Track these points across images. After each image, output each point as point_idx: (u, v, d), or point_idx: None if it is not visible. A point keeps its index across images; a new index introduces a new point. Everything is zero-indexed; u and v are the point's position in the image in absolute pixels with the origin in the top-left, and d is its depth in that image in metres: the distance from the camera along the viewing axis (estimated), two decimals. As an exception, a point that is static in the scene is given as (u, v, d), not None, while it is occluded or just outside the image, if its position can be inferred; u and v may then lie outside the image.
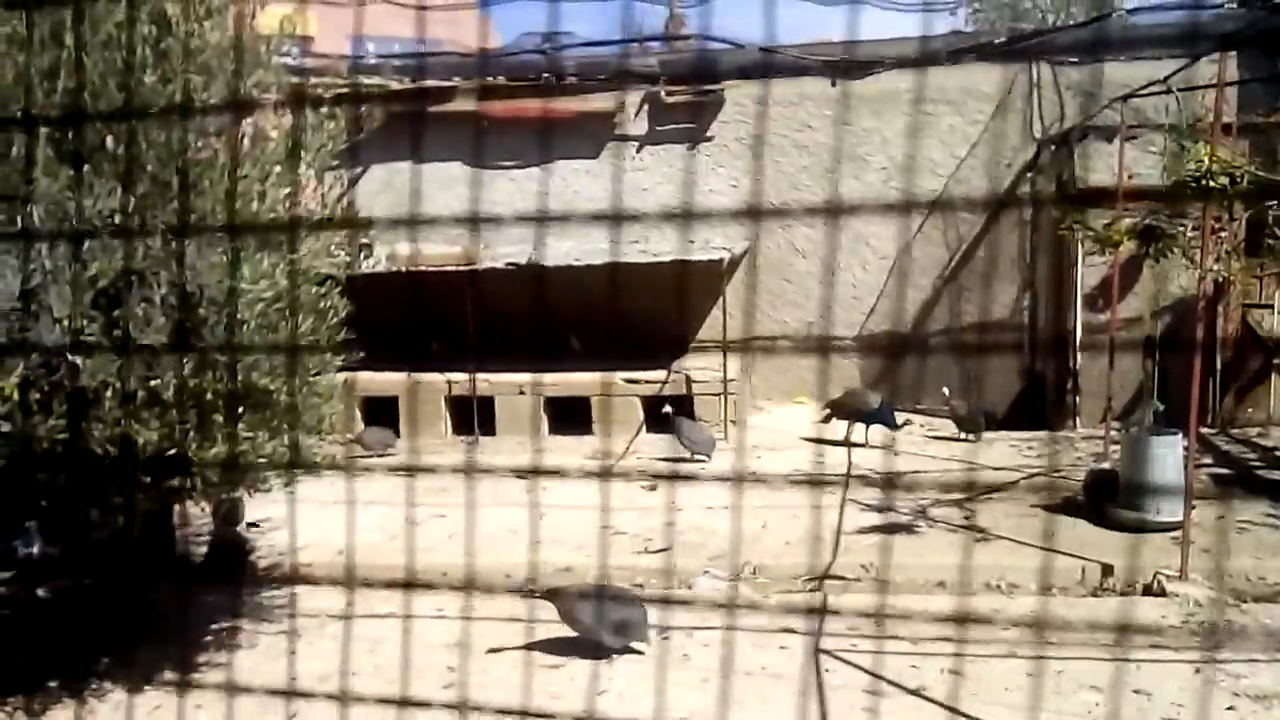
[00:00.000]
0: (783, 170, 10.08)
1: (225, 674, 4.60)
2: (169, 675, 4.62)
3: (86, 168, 3.83)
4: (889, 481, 7.41)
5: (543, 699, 4.26)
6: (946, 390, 8.85)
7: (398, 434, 9.08)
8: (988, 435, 8.61)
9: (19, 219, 3.51)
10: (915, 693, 4.20)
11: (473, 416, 9.32)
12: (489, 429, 9.37)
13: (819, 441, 8.52)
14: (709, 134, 10.30)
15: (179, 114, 3.84)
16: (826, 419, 8.56)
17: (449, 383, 9.53)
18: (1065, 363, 9.56)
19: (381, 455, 8.38)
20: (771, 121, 10.01)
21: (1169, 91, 7.01)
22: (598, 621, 4.56)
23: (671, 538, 6.12)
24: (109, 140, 3.79)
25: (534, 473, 7.33)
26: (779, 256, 10.21)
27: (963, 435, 8.59)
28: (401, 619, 4.39)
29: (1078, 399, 9.35)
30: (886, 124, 9.92)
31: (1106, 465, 6.99)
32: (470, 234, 9.88)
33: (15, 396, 3.15)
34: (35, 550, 4.92)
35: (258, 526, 6.48)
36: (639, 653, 4.63)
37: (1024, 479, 7.27)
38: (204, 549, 5.98)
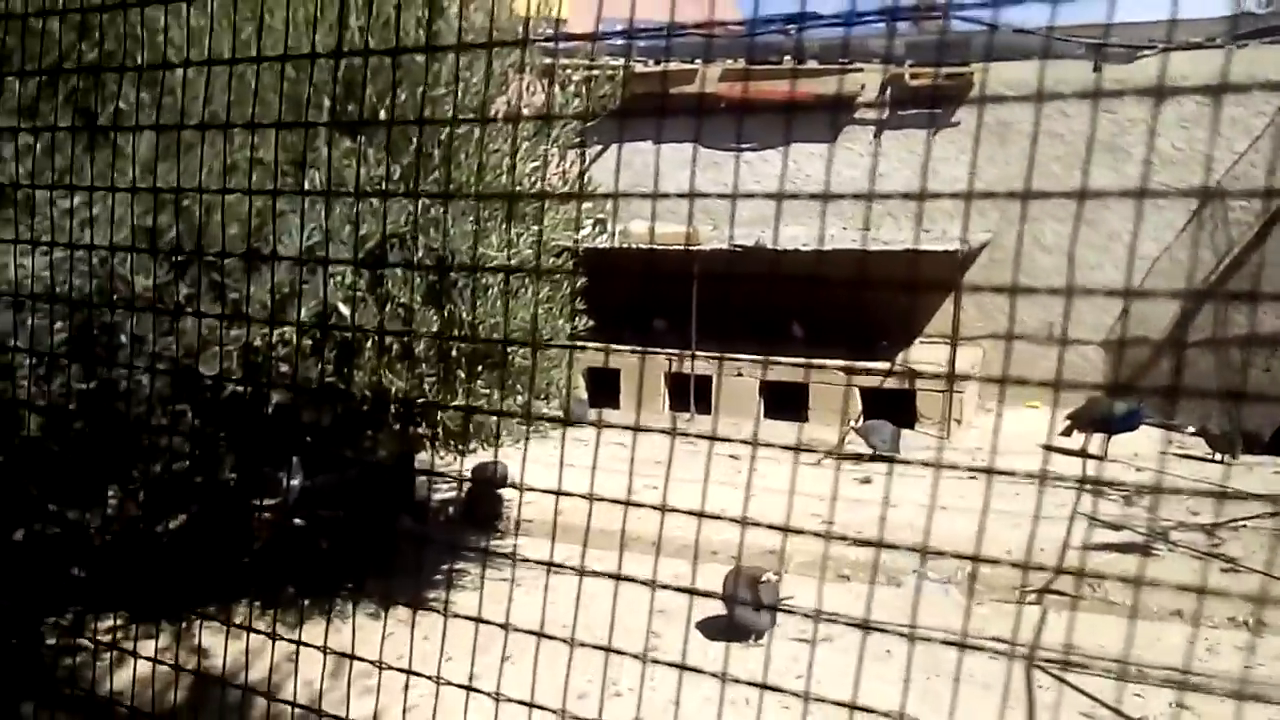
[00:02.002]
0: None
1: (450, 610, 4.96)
2: (402, 605, 5.05)
3: (361, 138, 4.21)
4: (1126, 498, 6.90)
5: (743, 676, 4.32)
6: (1192, 429, 8.13)
7: (616, 406, 9.41)
8: (1247, 459, 7.82)
9: (304, 183, 3.92)
10: (1138, 723, 3.94)
11: (690, 394, 9.49)
12: (705, 407, 9.51)
13: (1052, 449, 8.04)
14: (954, 119, 9.89)
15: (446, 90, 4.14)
16: (1068, 431, 8.04)
17: (669, 359, 9.74)
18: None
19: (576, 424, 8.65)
20: (1023, 108, 9.47)
21: None
22: (754, 603, 4.64)
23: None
24: (381, 113, 4.16)
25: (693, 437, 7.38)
26: (1022, 251, 9.68)
27: (1216, 456, 7.85)
28: (614, 579, 4.58)
29: (1363, 428, 8.31)
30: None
31: (1392, 504, 6.19)
32: (700, 215, 10.02)
33: (294, 341, 3.54)
34: (297, 482, 5.49)
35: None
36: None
37: (1288, 510, 6.57)
38: (442, 496, 6.47)
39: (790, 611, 4.81)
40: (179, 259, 3.51)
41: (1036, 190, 1.31)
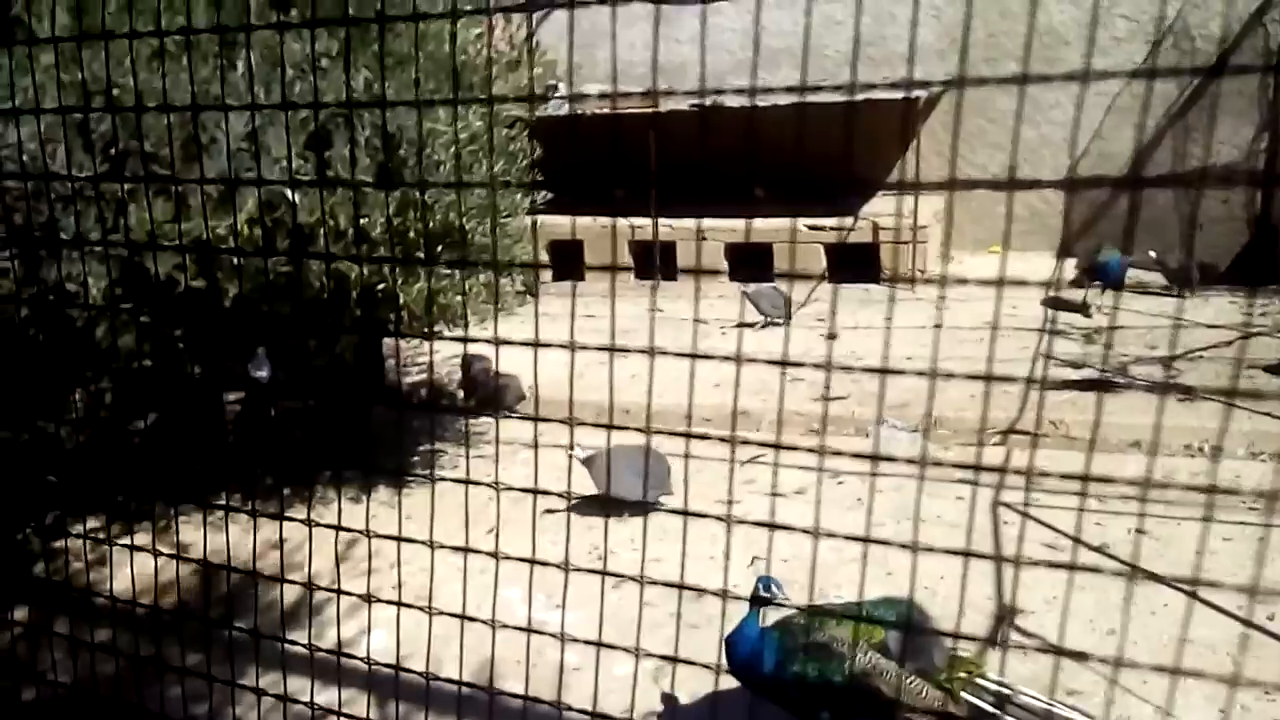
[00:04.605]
0: (991, -2, 9.27)
1: (430, 491, 5.04)
2: (381, 488, 5.12)
3: (294, 11, 4.01)
4: (1086, 336, 7.04)
5: (719, 529, 4.46)
6: (1153, 253, 8.09)
7: (581, 277, 9.36)
8: (1204, 290, 7.95)
9: (238, 63, 3.74)
10: (1097, 549, 4.12)
11: (654, 261, 9.44)
12: (670, 273, 9.48)
13: (1058, 305, 8.00)
14: (910, -39, 9.55)
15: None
16: (1079, 281, 7.96)
17: (632, 227, 9.63)
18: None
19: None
20: (981, -56, 9.15)
21: None
22: (632, 478, 4.61)
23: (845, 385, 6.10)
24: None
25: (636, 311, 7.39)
26: (981, 95, 9.50)
27: (1173, 290, 7.97)
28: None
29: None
30: (1115, -59, 8.89)
31: (1341, 326, 6.36)
32: (655, 76, 9.73)
33: (246, 232, 3.44)
34: (265, 374, 5.45)
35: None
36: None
37: (1241, 338, 6.74)
38: (412, 380, 6.46)
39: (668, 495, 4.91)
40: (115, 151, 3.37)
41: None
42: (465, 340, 1.59)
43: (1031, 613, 3.76)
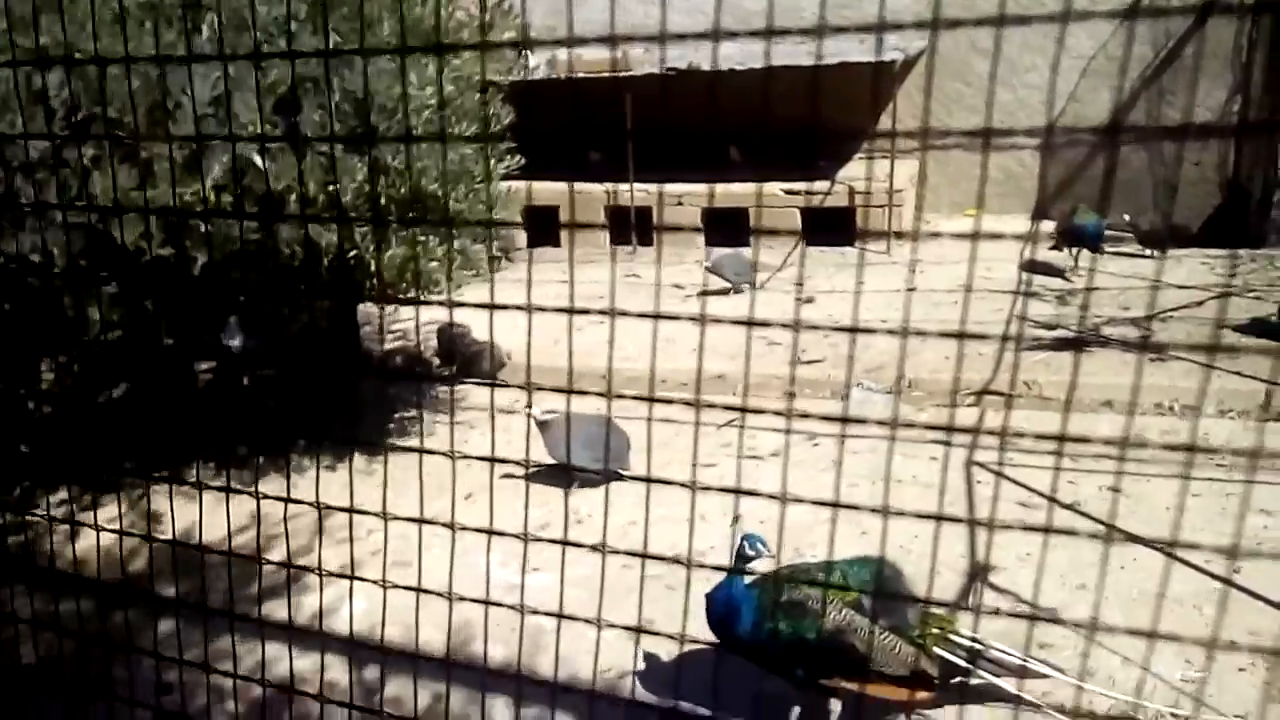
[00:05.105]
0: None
1: (405, 459, 5.03)
2: (358, 456, 5.09)
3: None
4: (1060, 297, 7.09)
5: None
6: (1126, 216, 8.10)
7: (555, 243, 9.32)
8: (1176, 252, 8.01)
9: (203, 28, 3.67)
10: (1070, 507, 4.17)
11: (630, 226, 9.41)
12: (646, 239, 9.44)
13: (1036, 268, 7.93)
14: (886, -80, 9.46)
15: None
16: (1057, 245, 7.94)
17: (607, 192, 9.58)
18: (1276, 174, 8.65)
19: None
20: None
21: None
22: (583, 451, 4.58)
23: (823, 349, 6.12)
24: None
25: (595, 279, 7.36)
26: (958, 57, 9.48)
27: (1146, 251, 8.03)
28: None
29: (1287, 214, 8.52)
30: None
31: (1310, 286, 6.42)
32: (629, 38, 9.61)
33: (213, 199, 3.39)
34: (237, 342, 5.40)
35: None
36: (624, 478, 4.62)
37: (1213, 298, 6.80)
38: (387, 347, 6.43)
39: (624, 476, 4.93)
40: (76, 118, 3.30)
41: None
42: (418, 304, 1.57)
43: (1004, 569, 3.80)
